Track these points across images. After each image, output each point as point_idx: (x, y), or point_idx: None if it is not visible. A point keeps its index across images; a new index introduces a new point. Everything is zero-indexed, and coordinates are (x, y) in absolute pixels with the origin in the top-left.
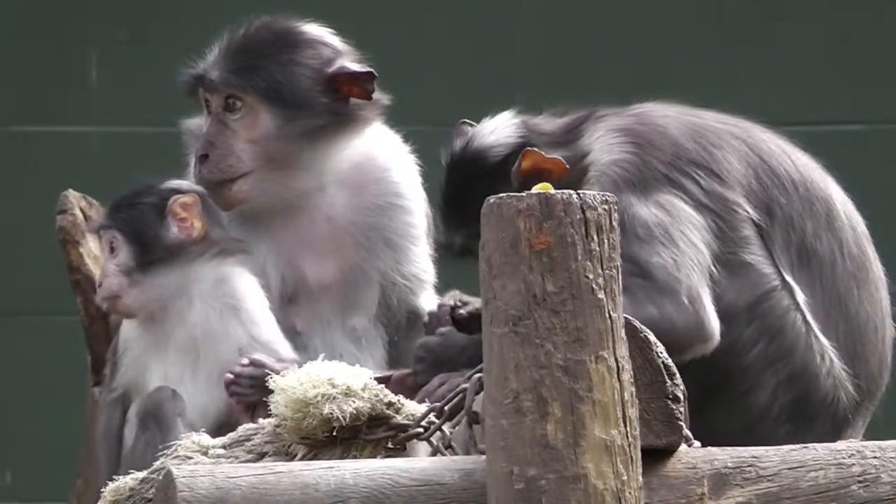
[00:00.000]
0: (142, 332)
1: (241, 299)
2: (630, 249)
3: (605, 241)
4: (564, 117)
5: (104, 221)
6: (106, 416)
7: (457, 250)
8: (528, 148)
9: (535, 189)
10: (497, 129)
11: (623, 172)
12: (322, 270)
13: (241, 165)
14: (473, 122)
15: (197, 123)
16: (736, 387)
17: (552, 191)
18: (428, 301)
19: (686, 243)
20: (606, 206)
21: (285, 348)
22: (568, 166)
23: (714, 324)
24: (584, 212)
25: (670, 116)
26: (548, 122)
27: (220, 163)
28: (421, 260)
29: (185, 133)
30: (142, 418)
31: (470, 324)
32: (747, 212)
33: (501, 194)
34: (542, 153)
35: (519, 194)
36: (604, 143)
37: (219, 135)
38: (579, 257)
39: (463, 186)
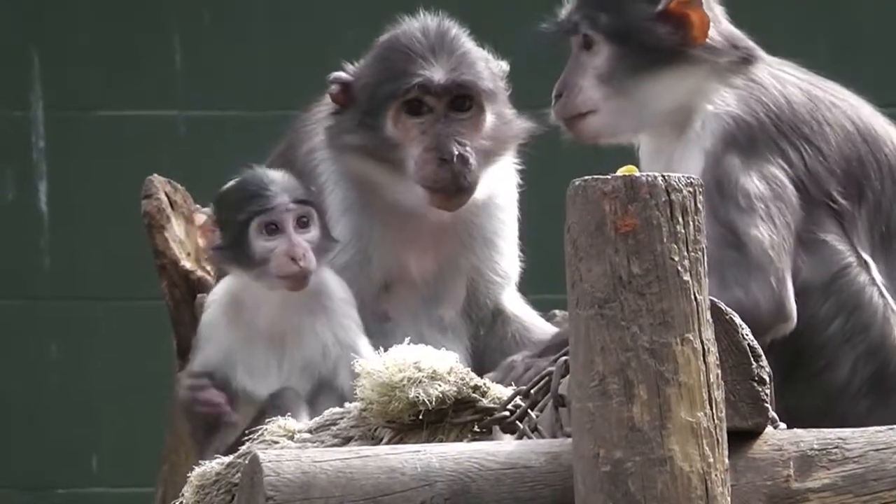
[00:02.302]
0: (228, 320)
1: (334, 301)
2: (730, 215)
3: (691, 223)
4: (740, 33)
5: (298, 195)
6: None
7: (565, 30)
8: None
9: (620, 171)
10: None
11: (735, 128)
12: (424, 264)
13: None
14: None
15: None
16: (815, 363)
17: (637, 173)
18: (511, 297)
19: (781, 223)
20: (691, 189)
21: (365, 350)
22: (708, 40)
23: (794, 304)
24: (669, 194)
25: (797, 83)
26: (725, 17)
27: None
28: (510, 255)
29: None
30: (262, 409)
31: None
32: (834, 191)
33: (586, 177)
34: (703, 5)
35: (604, 177)
36: (733, 87)
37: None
38: (665, 239)
39: None
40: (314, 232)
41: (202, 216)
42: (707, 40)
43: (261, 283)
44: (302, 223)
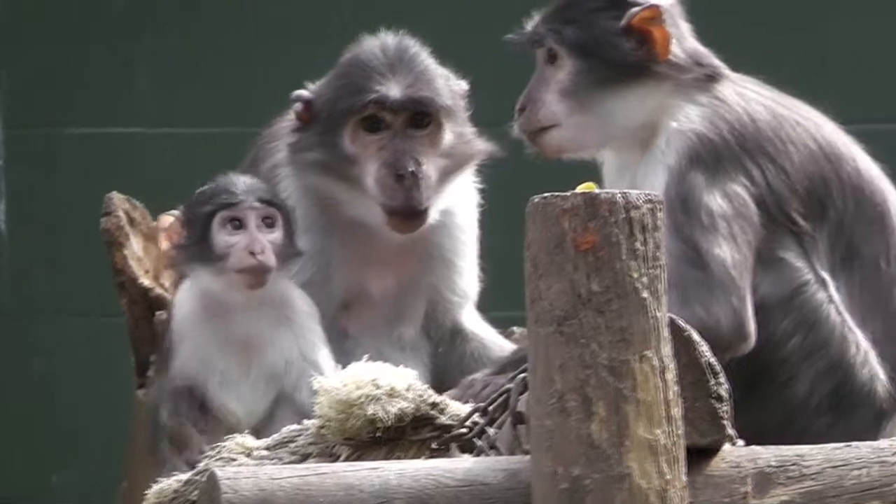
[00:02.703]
0: (200, 319)
1: (298, 314)
2: (693, 233)
3: (650, 240)
4: (706, 50)
5: (263, 195)
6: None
7: (532, 42)
8: (659, 5)
9: (580, 188)
10: None
11: (699, 146)
12: (383, 283)
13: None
14: None
15: None
16: (776, 379)
17: (597, 190)
18: (470, 315)
19: (743, 241)
20: (651, 206)
21: (327, 365)
22: (672, 56)
23: (753, 324)
24: (628, 211)
25: (761, 101)
26: (691, 35)
27: None
28: (469, 275)
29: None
30: None
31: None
32: (794, 212)
33: (546, 194)
34: (666, 22)
35: (563, 194)
36: (697, 104)
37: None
38: (624, 257)
39: None
40: (278, 234)
41: (169, 218)
42: (670, 57)
43: (220, 280)
44: (267, 223)
